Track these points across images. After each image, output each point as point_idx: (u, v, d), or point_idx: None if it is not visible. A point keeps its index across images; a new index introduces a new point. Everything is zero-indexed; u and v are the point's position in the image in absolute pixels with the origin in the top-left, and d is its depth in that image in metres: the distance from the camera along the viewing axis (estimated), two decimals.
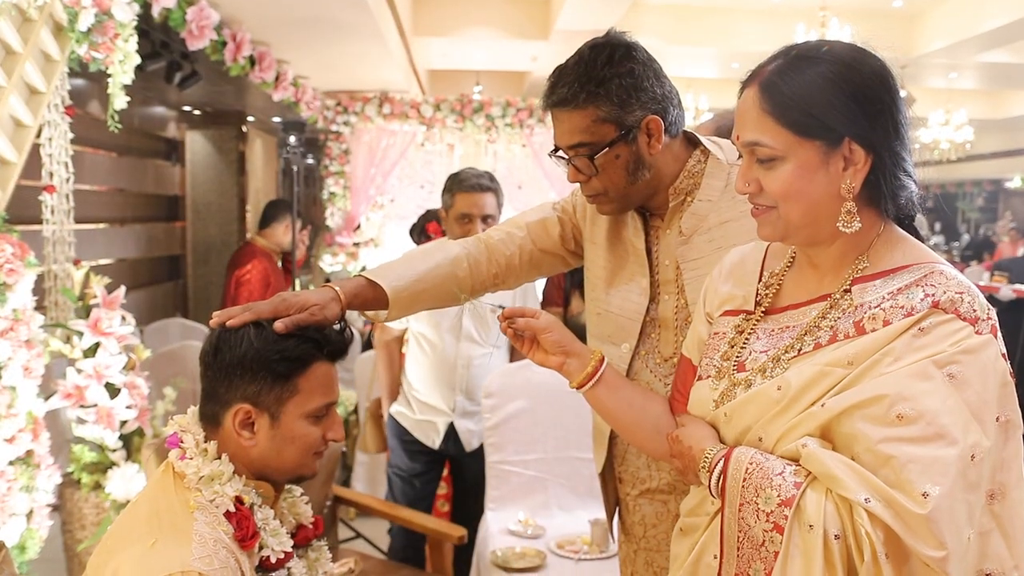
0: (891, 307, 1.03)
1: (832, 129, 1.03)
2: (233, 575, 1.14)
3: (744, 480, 1.04)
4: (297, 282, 6.26)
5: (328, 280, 7.58)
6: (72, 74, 2.84)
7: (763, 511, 1.01)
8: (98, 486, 2.79)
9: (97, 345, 2.75)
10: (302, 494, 1.40)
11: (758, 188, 1.08)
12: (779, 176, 1.05)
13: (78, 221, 3.18)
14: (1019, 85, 10.24)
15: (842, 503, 0.97)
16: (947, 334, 1.00)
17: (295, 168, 4.87)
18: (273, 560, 1.23)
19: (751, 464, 1.04)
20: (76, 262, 2.98)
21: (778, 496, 1.00)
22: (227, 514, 1.19)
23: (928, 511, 0.92)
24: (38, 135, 2.69)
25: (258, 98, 6.42)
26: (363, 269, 7.51)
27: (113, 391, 2.77)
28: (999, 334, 1.03)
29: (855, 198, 1.05)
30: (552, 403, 2.82)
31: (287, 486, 1.35)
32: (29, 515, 2.48)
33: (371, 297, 1.47)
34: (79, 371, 2.72)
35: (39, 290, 2.61)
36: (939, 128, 10.26)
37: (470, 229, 2.72)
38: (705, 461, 1.10)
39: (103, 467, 2.79)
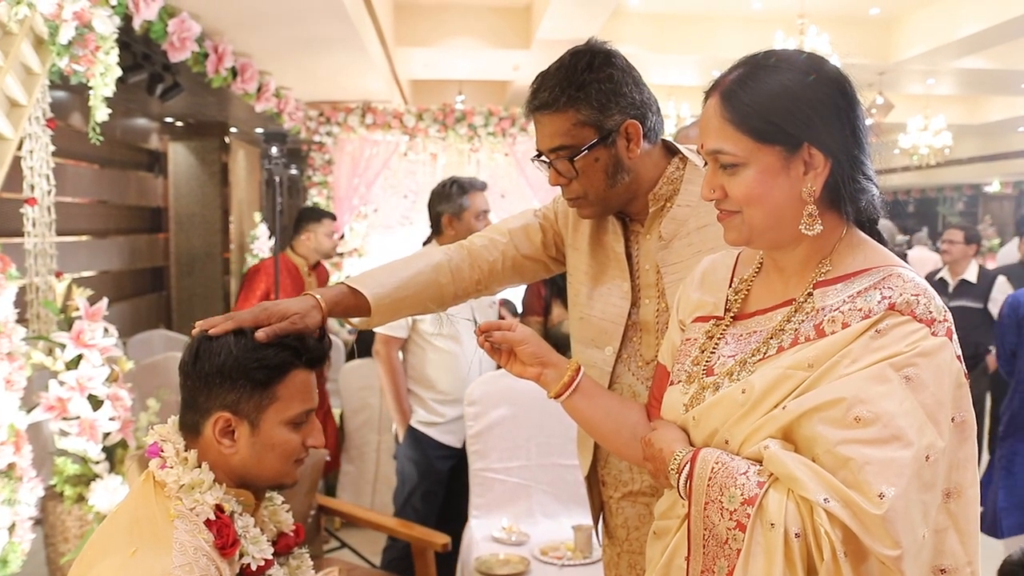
0: (849, 310, 1.06)
1: (791, 135, 1.06)
2: None
3: (709, 479, 1.06)
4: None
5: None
6: (53, 86, 2.85)
7: (727, 509, 1.03)
8: (81, 499, 2.78)
9: (80, 357, 2.74)
10: (283, 502, 1.41)
11: (723, 194, 1.12)
12: (742, 181, 1.09)
13: (60, 233, 3.18)
14: (996, 90, 10.38)
15: (803, 503, 1.00)
16: (903, 335, 1.02)
17: (278, 179, 4.86)
18: (254, 568, 1.24)
19: (716, 464, 1.07)
20: (58, 274, 2.97)
21: (741, 495, 1.03)
22: (207, 522, 1.19)
23: (884, 511, 0.95)
24: (19, 148, 2.70)
25: (240, 109, 6.42)
26: (347, 279, 7.52)
27: (96, 403, 2.77)
28: (954, 336, 1.05)
29: (816, 202, 1.08)
30: (535, 410, 2.84)
31: (268, 494, 1.36)
32: (11, 528, 2.47)
33: (353, 305, 1.49)
34: (62, 383, 2.71)
35: (21, 303, 2.60)
36: (918, 133, 10.38)
37: (487, 223, 2.99)
38: (674, 462, 1.13)
39: (86, 479, 2.78)
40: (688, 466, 1.10)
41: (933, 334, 1.03)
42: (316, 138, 7.15)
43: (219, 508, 1.21)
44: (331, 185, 7.26)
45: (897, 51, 8.04)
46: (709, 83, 1.15)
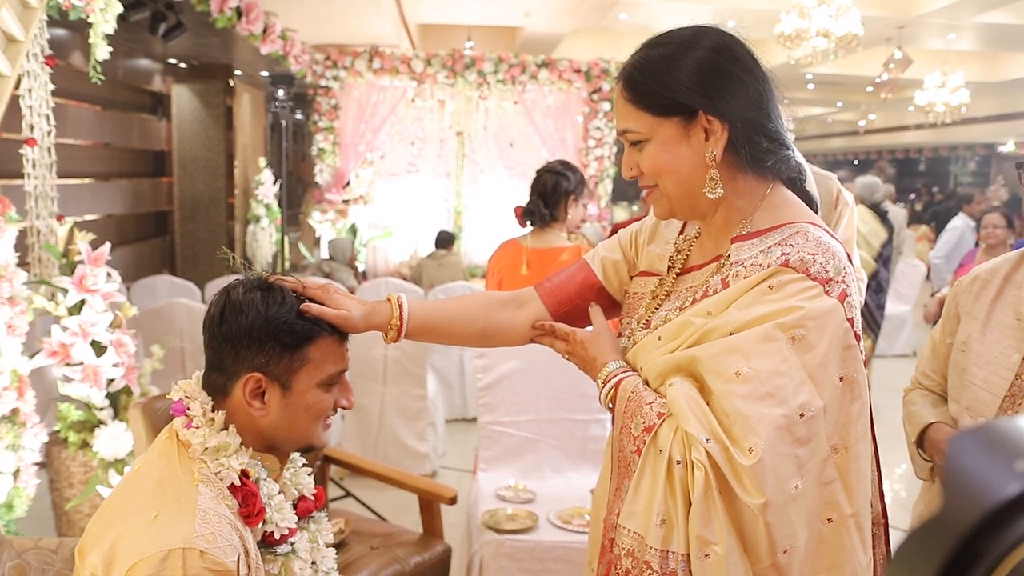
0: (752, 264, 1.12)
1: (684, 105, 1.12)
2: (236, 552, 1.10)
3: (626, 406, 1.16)
4: (286, 240, 6.20)
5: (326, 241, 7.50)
6: (52, 23, 2.75)
7: (633, 435, 1.14)
8: (85, 445, 2.76)
9: (82, 302, 2.70)
10: (304, 465, 1.37)
11: (639, 171, 1.19)
12: (648, 155, 1.16)
13: (62, 176, 3.11)
14: (1017, 47, 10.14)
15: (688, 437, 1.07)
16: (795, 292, 1.07)
17: (283, 123, 4.76)
18: (277, 536, 1.21)
19: (633, 393, 1.16)
20: (59, 218, 2.91)
21: (643, 423, 1.13)
22: (232, 488, 1.15)
23: (752, 463, 1.02)
24: (17, 86, 2.61)
25: (245, 51, 6.28)
26: (352, 226, 7.44)
27: (99, 349, 2.73)
28: (847, 299, 1.09)
29: (731, 166, 1.14)
30: (544, 364, 2.80)
31: (291, 456, 1.32)
32: (16, 474, 2.45)
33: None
34: (64, 329, 2.67)
35: (22, 246, 2.55)
36: (935, 90, 10.17)
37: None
38: (604, 373, 1.22)
39: (90, 426, 2.76)
40: (613, 389, 1.19)
41: (827, 293, 1.07)
42: (322, 82, 7.00)
43: (244, 474, 1.17)
44: (337, 131, 7.14)
45: (919, 4, 7.81)
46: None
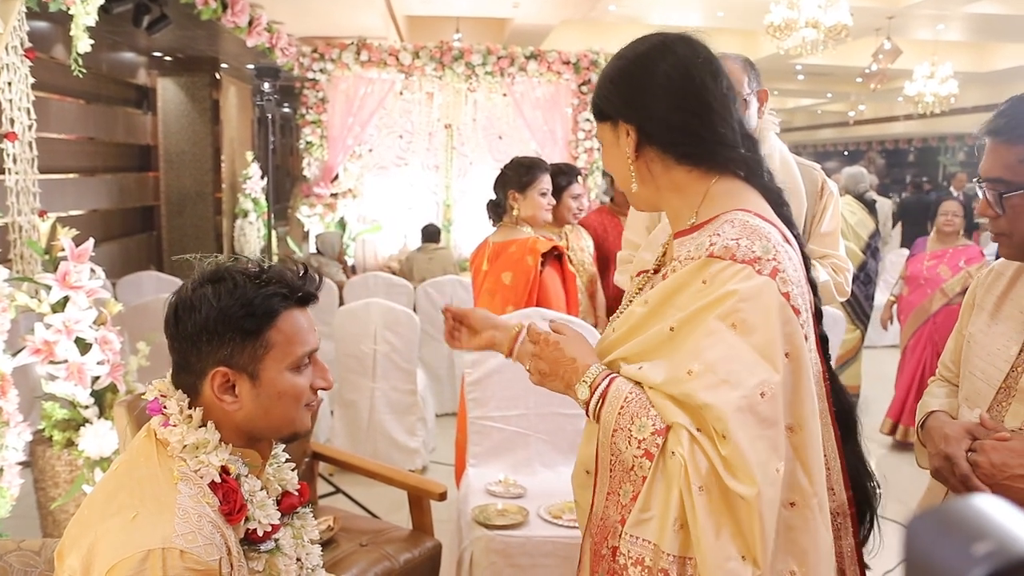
0: (686, 259, 1.15)
1: (605, 112, 1.24)
2: (218, 551, 1.08)
3: (621, 408, 1.13)
4: (274, 234, 6.16)
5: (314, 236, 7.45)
6: (32, 15, 2.71)
7: (636, 438, 1.11)
8: (70, 444, 2.73)
9: (66, 299, 2.66)
10: (287, 460, 1.35)
11: None
12: (603, 155, 1.30)
13: (45, 171, 3.06)
14: (1006, 37, 10.16)
15: (676, 429, 1.07)
16: (727, 278, 1.08)
17: (270, 116, 4.72)
18: (260, 533, 1.19)
19: (630, 394, 1.14)
20: (41, 213, 2.87)
21: (653, 425, 1.10)
22: (213, 485, 1.13)
23: (728, 451, 1.02)
24: None
25: (231, 44, 6.22)
26: (340, 220, 7.40)
27: (84, 346, 2.70)
28: (780, 274, 1.09)
29: (661, 162, 1.20)
30: None
31: (273, 451, 1.30)
32: None
33: None
34: (48, 326, 2.63)
35: (3, 242, 2.51)
36: (924, 81, 10.18)
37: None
38: (588, 376, 1.20)
39: (75, 424, 2.73)
40: (601, 391, 1.17)
41: (757, 272, 1.08)
42: (309, 75, 6.93)
43: (225, 470, 1.15)
44: (325, 124, 7.08)
45: None
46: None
